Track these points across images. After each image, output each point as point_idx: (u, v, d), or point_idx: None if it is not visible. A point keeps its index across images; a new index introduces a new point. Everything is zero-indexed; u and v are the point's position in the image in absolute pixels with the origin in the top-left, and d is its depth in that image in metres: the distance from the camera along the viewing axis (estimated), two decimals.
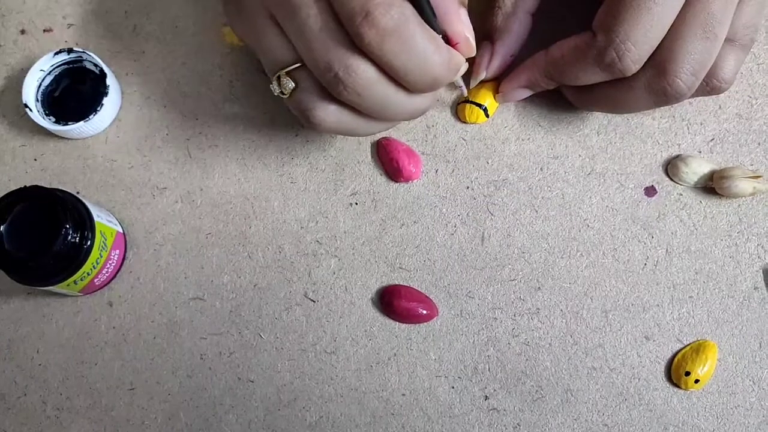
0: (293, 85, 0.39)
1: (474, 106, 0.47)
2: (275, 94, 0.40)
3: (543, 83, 0.44)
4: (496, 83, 0.47)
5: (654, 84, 0.40)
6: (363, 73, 0.37)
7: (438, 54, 0.37)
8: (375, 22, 0.34)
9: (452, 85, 0.46)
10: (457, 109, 0.48)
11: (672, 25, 0.38)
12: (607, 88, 0.42)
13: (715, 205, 0.46)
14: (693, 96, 0.41)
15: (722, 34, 0.38)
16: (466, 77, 0.48)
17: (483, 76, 0.46)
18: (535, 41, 0.46)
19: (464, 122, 0.47)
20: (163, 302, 0.46)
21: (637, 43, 0.38)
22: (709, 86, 0.41)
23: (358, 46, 0.36)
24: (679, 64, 0.38)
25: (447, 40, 0.39)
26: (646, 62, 0.39)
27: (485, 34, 0.46)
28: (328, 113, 0.39)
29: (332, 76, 0.37)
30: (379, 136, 0.47)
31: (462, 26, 0.39)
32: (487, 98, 0.47)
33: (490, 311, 0.45)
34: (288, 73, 0.39)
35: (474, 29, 0.39)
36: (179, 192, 0.47)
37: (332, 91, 0.38)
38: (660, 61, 0.39)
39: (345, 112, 0.39)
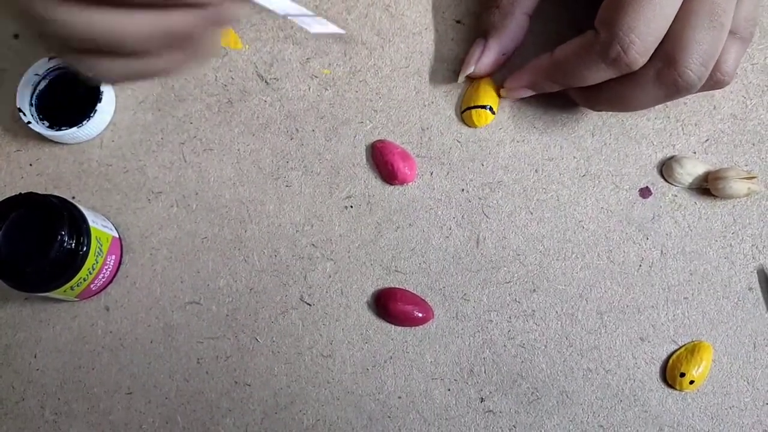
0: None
1: (479, 109, 0.47)
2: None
3: (546, 85, 0.44)
4: (494, 81, 0.47)
5: (664, 76, 0.39)
6: (61, 21, 0.30)
7: None
8: None
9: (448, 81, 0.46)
10: (463, 117, 0.47)
11: (677, 16, 0.38)
12: (616, 86, 0.42)
13: (709, 206, 0.46)
14: (697, 91, 0.41)
15: (728, 23, 0.38)
16: (456, 72, 0.48)
17: (471, 70, 0.46)
18: (533, 40, 0.46)
19: (474, 127, 0.47)
20: (159, 306, 0.46)
21: (641, 34, 0.38)
22: (713, 79, 0.41)
23: None
24: (689, 54, 0.38)
25: None
26: (653, 55, 0.39)
27: (481, 32, 0.46)
28: (103, 66, 0.32)
29: (46, 37, 0.31)
30: (374, 138, 0.47)
31: None
32: (489, 98, 0.47)
33: (485, 313, 0.45)
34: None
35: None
36: (174, 196, 0.47)
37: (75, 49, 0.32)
38: (668, 52, 0.39)
39: (107, 58, 0.32)
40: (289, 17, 0.34)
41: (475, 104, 0.47)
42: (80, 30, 0.30)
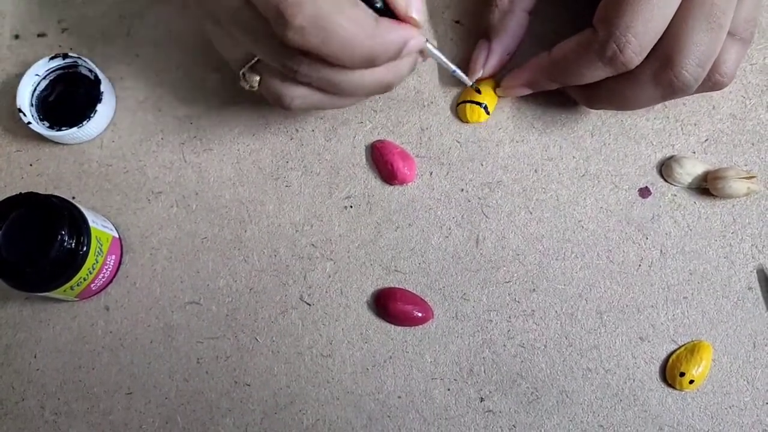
0: (258, 78, 0.40)
1: (474, 105, 0.47)
2: (246, 89, 0.41)
3: (544, 83, 0.44)
4: (495, 81, 0.47)
5: (660, 76, 0.39)
6: (307, 61, 0.38)
7: (364, 35, 0.36)
8: (290, 23, 0.35)
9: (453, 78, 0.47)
10: (458, 110, 0.48)
11: (676, 16, 0.38)
12: (613, 85, 0.42)
13: (709, 205, 0.46)
14: (695, 92, 0.41)
15: (726, 25, 0.38)
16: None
17: (480, 74, 0.46)
18: (532, 39, 0.46)
19: (465, 122, 0.47)
20: (159, 306, 0.46)
21: (638, 34, 0.38)
22: (712, 80, 0.41)
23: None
24: (686, 55, 0.38)
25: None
26: (651, 55, 0.39)
27: (482, 32, 0.47)
28: (296, 95, 0.40)
29: (282, 66, 0.38)
30: (374, 138, 0.47)
31: (404, 5, 0.38)
32: (486, 96, 0.47)
33: (485, 313, 0.45)
34: (251, 68, 0.40)
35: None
36: (174, 196, 0.47)
37: (290, 77, 0.39)
38: (666, 52, 0.39)
39: (311, 91, 0.40)
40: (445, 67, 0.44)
41: (471, 99, 0.47)
42: (300, 107, 0.41)
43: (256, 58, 0.40)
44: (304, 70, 0.38)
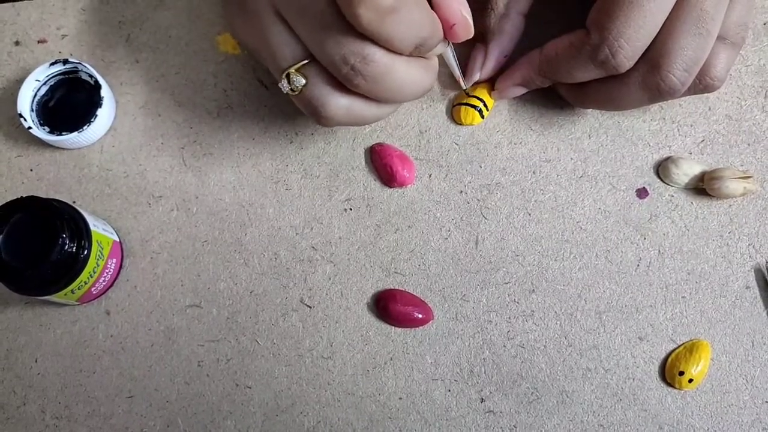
0: (304, 81, 0.39)
1: (469, 107, 0.47)
2: (285, 92, 0.40)
3: (538, 81, 0.45)
4: (490, 85, 0.47)
5: (647, 80, 0.40)
6: (380, 59, 0.37)
7: (431, 18, 0.37)
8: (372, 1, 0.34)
9: (453, 84, 0.48)
10: (452, 112, 0.48)
11: (665, 22, 0.39)
12: (602, 85, 0.42)
13: (706, 205, 0.46)
14: (686, 94, 0.42)
15: (715, 31, 0.39)
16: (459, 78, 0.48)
17: (477, 77, 0.47)
18: (528, 42, 0.47)
19: (459, 124, 0.48)
20: (160, 310, 0.46)
21: (630, 40, 0.38)
22: (702, 84, 0.41)
23: (357, 29, 0.35)
24: (672, 60, 0.39)
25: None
26: (639, 58, 0.40)
27: (478, 36, 0.47)
28: (340, 105, 0.39)
29: (349, 68, 0.37)
30: (373, 141, 0.48)
31: (460, 6, 0.38)
32: (482, 100, 0.47)
33: (484, 314, 0.45)
34: (298, 70, 0.39)
35: None
36: (175, 200, 0.47)
37: (348, 83, 0.38)
38: (653, 57, 0.39)
39: (356, 101, 0.39)
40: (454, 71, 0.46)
41: (467, 102, 0.47)
42: (339, 120, 0.40)
43: (306, 61, 0.39)
44: (358, 65, 0.36)
